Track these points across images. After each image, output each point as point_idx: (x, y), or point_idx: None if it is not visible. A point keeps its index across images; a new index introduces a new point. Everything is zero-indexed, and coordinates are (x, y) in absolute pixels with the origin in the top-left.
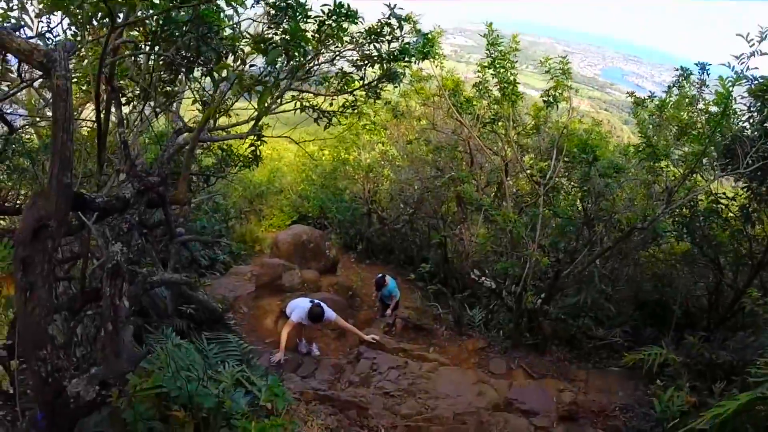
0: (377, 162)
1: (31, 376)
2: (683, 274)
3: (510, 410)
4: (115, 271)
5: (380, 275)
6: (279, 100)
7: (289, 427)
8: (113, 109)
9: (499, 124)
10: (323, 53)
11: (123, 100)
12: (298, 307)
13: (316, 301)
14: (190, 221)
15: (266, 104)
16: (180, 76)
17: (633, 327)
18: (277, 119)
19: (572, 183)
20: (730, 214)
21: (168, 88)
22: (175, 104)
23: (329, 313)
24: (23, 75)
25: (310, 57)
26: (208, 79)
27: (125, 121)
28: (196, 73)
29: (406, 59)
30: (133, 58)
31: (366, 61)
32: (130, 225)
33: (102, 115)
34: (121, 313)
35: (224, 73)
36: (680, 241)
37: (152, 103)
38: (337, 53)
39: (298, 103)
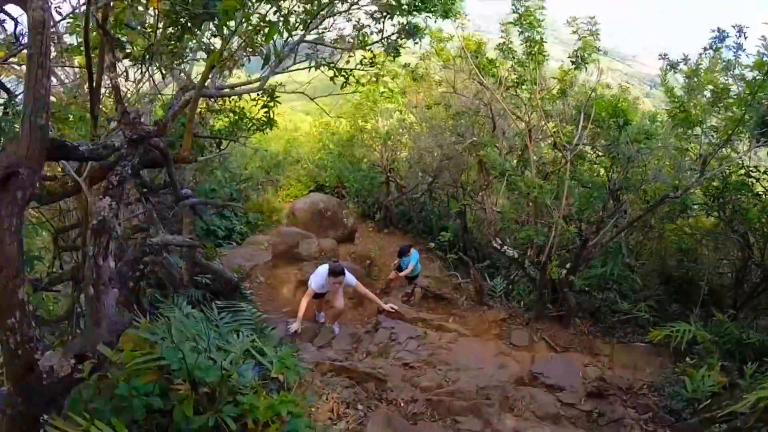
0: (395, 130)
1: None
2: (709, 249)
3: (535, 385)
4: (100, 227)
5: (407, 244)
6: (293, 56)
7: (301, 403)
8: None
9: (523, 87)
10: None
11: (121, 55)
12: (317, 274)
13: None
14: (199, 184)
15: (277, 54)
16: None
17: (658, 302)
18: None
19: (597, 152)
20: (761, 189)
21: (174, 45)
22: (187, 66)
23: (350, 276)
24: (20, 39)
25: (325, 3)
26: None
27: (124, 72)
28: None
29: (428, 9)
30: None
31: (385, 13)
32: (121, 177)
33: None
34: (103, 274)
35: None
36: (709, 215)
37: (158, 63)
38: (354, 1)
39: (314, 62)
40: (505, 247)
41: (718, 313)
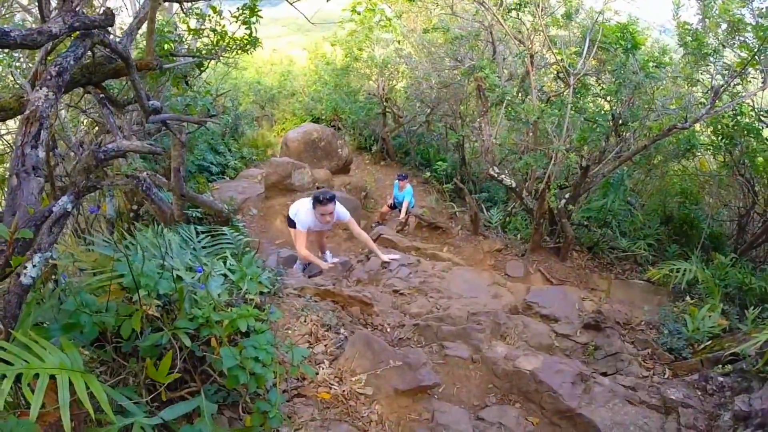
0: (392, 58)
1: None
2: (711, 194)
3: (529, 314)
4: (32, 116)
5: (405, 173)
6: None
7: (264, 318)
8: None
9: (526, 10)
10: None
11: None
12: (300, 211)
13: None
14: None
15: None
16: None
17: (657, 241)
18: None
19: (601, 84)
20: None
21: None
22: None
23: (342, 210)
24: None
25: None
26: None
27: None
28: None
29: None
30: None
31: None
32: (60, 68)
33: None
34: (27, 162)
35: None
36: (715, 156)
37: None
38: None
39: None
40: (503, 176)
41: (720, 256)
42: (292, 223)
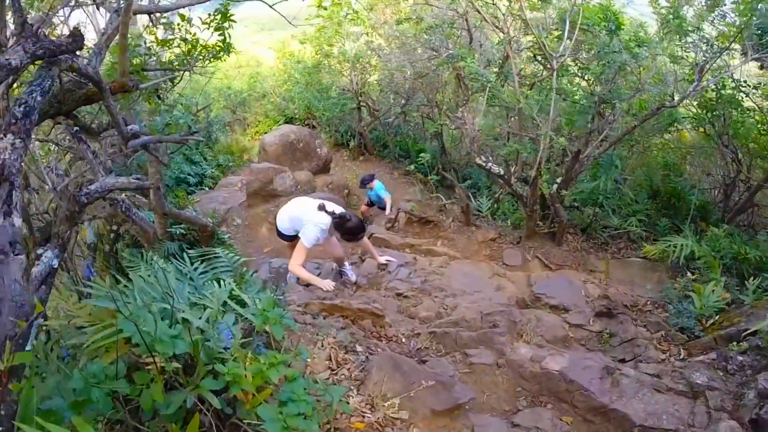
0: (364, 52)
1: None
2: (693, 165)
3: (538, 306)
4: None
5: (369, 173)
6: None
7: (294, 363)
8: None
9: None
10: None
11: None
12: (310, 220)
13: (320, 201)
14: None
15: None
16: None
17: (647, 216)
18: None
19: (580, 64)
20: (751, 104)
21: None
22: None
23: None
24: None
25: None
26: None
27: None
28: None
29: None
30: None
31: None
32: (27, 107)
33: None
34: (2, 238)
35: None
36: (697, 129)
37: None
38: None
39: None
40: (490, 164)
41: (714, 228)
42: (289, 237)
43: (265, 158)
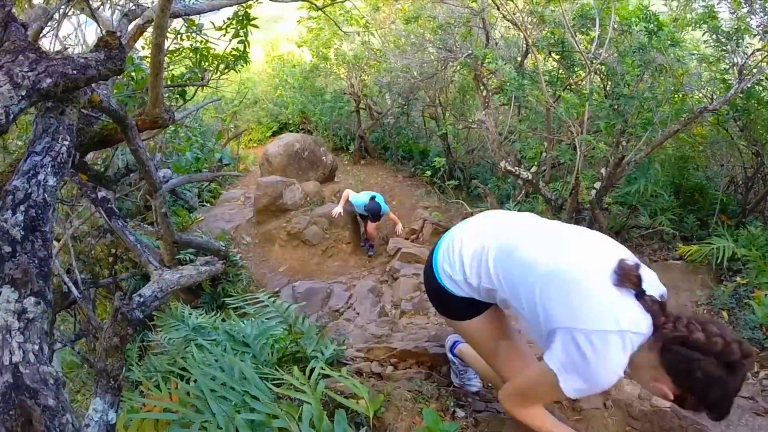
0: (362, 54)
1: None
2: (707, 158)
3: None
4: None
5: (372, 200)
6: None
7: None
8: None
9: None
10: None
11: None
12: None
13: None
14: (170, 158)
15: None
16: None
17: (675, 215)
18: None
19: (606, 66)
20: None
21: None
22: None
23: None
24: None
25: None
26: None
27: None
28: None
29: None
30: None
31: None
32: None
33: None
34: None
35: None
36: (722, 124)
37: None
38: None
39: None
40: (519, 170)
41: (751, 228)
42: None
43: (269, 170)
